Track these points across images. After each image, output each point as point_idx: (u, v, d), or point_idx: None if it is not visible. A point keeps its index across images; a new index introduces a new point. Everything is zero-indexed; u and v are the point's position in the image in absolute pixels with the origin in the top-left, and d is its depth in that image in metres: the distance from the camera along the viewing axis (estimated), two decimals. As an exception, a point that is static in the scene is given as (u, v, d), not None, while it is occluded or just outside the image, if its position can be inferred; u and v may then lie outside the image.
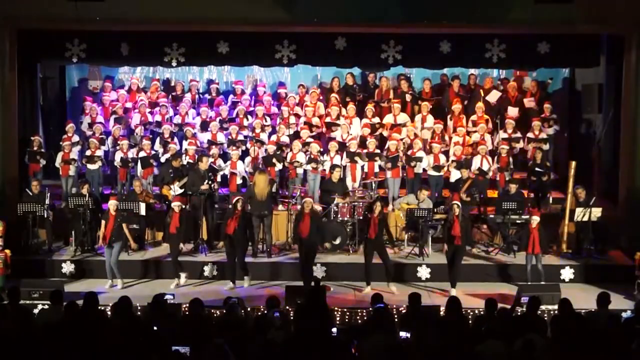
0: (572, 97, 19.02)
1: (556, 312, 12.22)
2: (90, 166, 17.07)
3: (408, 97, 18.41)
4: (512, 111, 18.32)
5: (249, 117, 18.19)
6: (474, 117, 17.98)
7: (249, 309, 12.08)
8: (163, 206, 16.42)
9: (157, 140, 17.58)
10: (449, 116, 18.28)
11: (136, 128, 18.01)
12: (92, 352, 8.80)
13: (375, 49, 16.82)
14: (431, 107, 18.27)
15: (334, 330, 10.66)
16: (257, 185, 15.37)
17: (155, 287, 14.41)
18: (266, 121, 18.01)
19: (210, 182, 15.59)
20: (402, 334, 10.20)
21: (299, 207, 16.18)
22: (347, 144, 16.98)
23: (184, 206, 14.87)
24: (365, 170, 17.01)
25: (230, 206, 14.95)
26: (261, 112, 18.07)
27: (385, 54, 16.84)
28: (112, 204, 14.52)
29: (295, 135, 17.72)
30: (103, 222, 14.49)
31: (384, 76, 19.09)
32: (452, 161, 16.68)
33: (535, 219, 14.29)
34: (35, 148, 16.90)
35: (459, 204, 14.36)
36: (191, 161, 16.55)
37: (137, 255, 15.53)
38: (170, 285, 14.47)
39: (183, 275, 14.65)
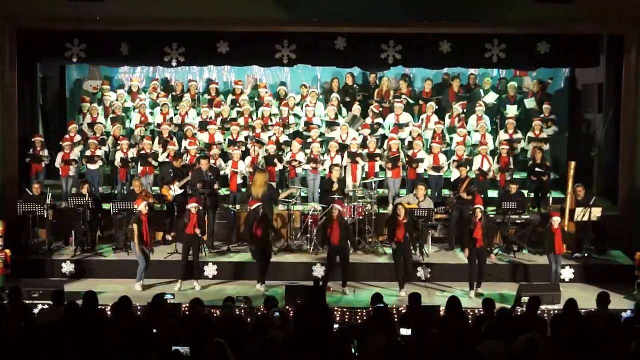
0: (572, 97, 19.03)
1: (557, 311, 12.28)
2: (90, 166, 17.07)
3: (405, 101, 18.42)
4: (511, 110, 18.34)
5: (253, 117, 18.19)
6: (473, 118, 17.99)
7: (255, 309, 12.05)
8: (163, 206, 16.40)
9: (157, 140, 17.57)
10: (447, 114, 18.29)
11: (137, 128, 18.00)
12: (92, 352, 8.80)
13: (375, 49, 16.82)
14: (437, 107, 18.29)
15: (334, 329, 10.70)
16: (254, 184, 15.38)
17: (155, 287, 14.43)
18: (271, 121, 18.03)
19: (209, 182, 15.58)
20: (403, 331, 10.20)
21: (300, 208, 16.28)
22: (349, 145, 16.97)
23: (201, 207, 14.80)
24: (366, 170, 17.01)
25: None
26: (268, 113, 18.09)
27: (385, 54, 16.84)
28: (143, 206, 14.34)
29: (295, 135, 17.74)
30: (136, 225, 14.21)
31: (385, 76, 19.12)
32: (454, 161, 16.69)
33: (557, 220, 14.26)
34: (38, 149, 16.90)
35: (482, 208, 14.30)
36: (193, 162, 16.54)
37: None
38: (174, 288, 14.43)
39: (196, 282, 14.58)
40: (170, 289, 14.18)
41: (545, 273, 14.47)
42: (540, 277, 14.59)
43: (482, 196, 16.28)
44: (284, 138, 17.45)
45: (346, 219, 15.67)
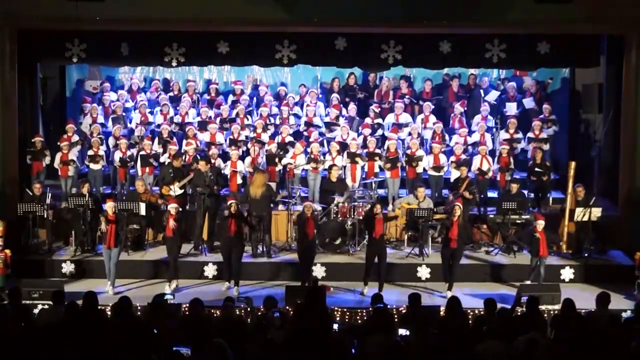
0: (572, 97, 19.02)
1: (557, 311, 12.28)
2: (92, 166, 17.06)
3: (407, 101, 18.44)
4: (511, 108, 18.33)
5: (248, 117, 18.20)
6: (477, 117, 18.00)
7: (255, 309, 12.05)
8: (164, 206, 16.36)
9: (156, 140, 17.56)
10: (451, 115, 18.29)
11: (136, 128, 18.00)
12: (92, 352, 8.80)
13: (375, 49, 16.81)
14: (433, 107, 18.29)
15: (334, 329, 10.70)
16: (252, 184, 15.37)
17: (155, 287, 14.42)
18: (270, 121, 18.02)
19: (209, 182, 15.59)
20: (402, 331, 10.20)
21: (299, 208, 16.26)
22: (348, 144, 16.98)
23: (180, 208, 14.81)
24: (366, 170, 17.01)
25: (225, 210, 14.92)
26: (266, 112, 18.10)
27: (385, 54, 16.83)
28: (110, 206, 14.30)
29: (296, 135, 17.73)
30: (103, 224, 14.35)
31: (385, 77, 19.11)
32: (452, 162, 16.70)
33: (541, 224, 14.27)
34: (38, 149, 16.88)
35: (461, 206, 14.28)
36: (190, 162, 16.54)
37: (137, 256, 15.53)
38: (165, 288, 14.36)
39: (175, 281, 14.52)
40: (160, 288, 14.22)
41: (546, 273, 14.46)
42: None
43: (482, 196, 16.32)
44: (289, 138, 17.42)
45: (346, 218, 15.71)
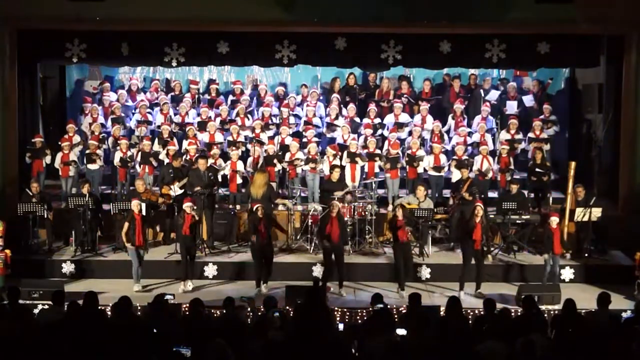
0: (572, 97, 19.03)
1: (557, 311, 12.29)
2: (90, 166, 17.05)
3: (405, 100, 18.44)
4: (512, 107, 18.32)
5: (249, 116, 18.19)
6: (477, 118, 18.00)
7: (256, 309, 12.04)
8: (164, 206, 16.35)
9: (157, 140, 17.55)
10: (450, 116, 18.30)
11: (137, 128, 17.99)
12: (92, 352, 8.80)
13: (375, 49, 16.81)
14: (429, 106, 18.28)
15: (336, 328, 10.70)
16: (253, 184, 15.36)
17: (157, 287, 14.42)
18: (271, 121, 18.02)
19: (209, 182, 15.59)
20: (400, 331, 10.20)
21: (300, 208, 16.28)
22: (348, 144, 16.97)
23: (195, 207, 14.81)
24: (366, 170, 17.01)
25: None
26: (268, 113, 18.09)
27: (385, 54, 16.83)
28: (135, 204, 14.35)
29: (296, 135, 17.73)
30: (127, 224, 14.28)
31: (385, 76, 19.11)
32: (453, 159, 16.70)
33: (555, 220, 14.26)
34: (38, 148, 16.89)
35: (482, 206, 14.19)
36: (191, 161, 16.54)
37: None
38: (178, 289, 14.33)
39: (189, 282, 14.52)
40: (170, 289, 14.14)
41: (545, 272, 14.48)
42: (540, 277, 14.58)
43: (482, 196, 16.31)
44: (289, 140, 17.39)
45: (346, 218, 15.70)
